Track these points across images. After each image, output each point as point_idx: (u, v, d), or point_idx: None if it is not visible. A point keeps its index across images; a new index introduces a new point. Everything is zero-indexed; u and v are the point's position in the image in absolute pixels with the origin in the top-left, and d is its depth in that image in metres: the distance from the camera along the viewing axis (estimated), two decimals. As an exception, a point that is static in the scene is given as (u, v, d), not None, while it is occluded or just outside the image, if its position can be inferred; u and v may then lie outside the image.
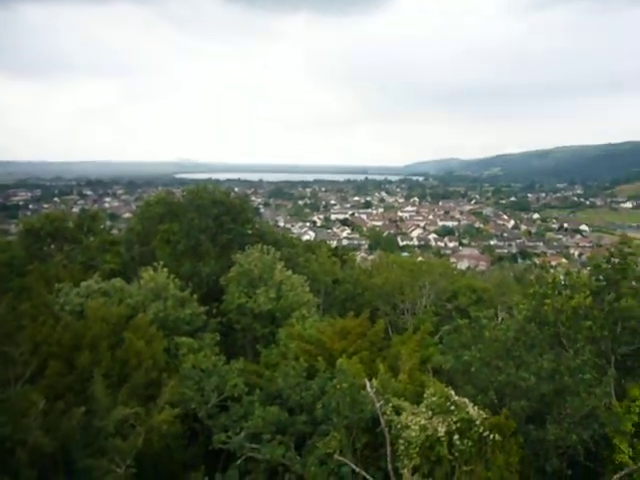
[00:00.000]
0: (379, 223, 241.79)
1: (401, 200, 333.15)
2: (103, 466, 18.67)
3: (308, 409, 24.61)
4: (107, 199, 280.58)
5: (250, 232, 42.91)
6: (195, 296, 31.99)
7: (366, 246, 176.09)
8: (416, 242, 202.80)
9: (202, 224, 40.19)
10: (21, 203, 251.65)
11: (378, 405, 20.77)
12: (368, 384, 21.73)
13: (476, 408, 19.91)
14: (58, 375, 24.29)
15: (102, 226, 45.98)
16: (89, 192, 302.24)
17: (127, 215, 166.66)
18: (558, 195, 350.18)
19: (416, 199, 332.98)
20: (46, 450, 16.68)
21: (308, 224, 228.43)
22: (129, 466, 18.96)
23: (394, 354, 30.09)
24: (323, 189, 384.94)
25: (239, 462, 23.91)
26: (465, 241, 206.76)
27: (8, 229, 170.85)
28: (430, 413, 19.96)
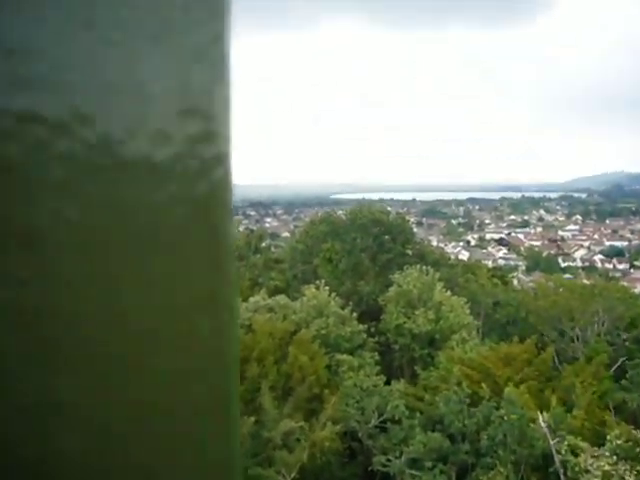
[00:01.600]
0: (538, 243, 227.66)
1: (561, 218, 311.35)
2: (270, 476, 19.34)
3: (471, 438, 23.62)
4: (268, 219, 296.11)
5: (410, 252, 42.64)
6: (355, 314, 32.37)
7: (523, 267, 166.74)
8: (580, 263, 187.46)
9: (363, 243, 40.80)
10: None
11: (552, 442, 19.28)
12: (540, 418, 20.28)
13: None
14: (229, 385, 25.92)
15: (266, 245, 48.73)
16: (252, 212, 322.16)
17: (285, 234, 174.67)
18: None
19: (579, 217, 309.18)
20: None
21: (462, 244, 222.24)
22: (294, 479, 19.45)
23: (566, 386, 27.86)
24: (477, 207, 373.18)
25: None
26: (638, 263, 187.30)
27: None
28: (615, 458, 18.01)
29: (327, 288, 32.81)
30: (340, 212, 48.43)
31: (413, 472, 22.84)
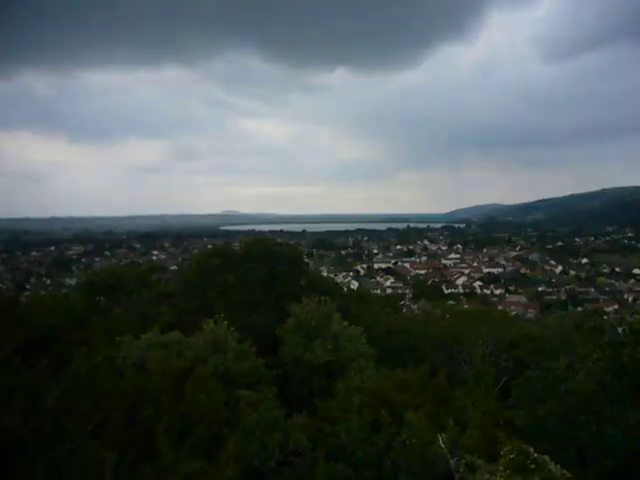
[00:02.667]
0: (423, 271, 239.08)
1: (444, 248, 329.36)
2: (170, 525, 18.13)
3: (374, 465, 23.72)
4: (155, 252, 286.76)
5: (303, 283, 42.81)
6: (253, 349, 31.72)
7: (410, 295, 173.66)
8: (461, 290, 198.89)
9: (257, 275, 40.37)
10: (74, 257, 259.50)
11: (452, 462, 19.76)
12: (441, 439, 20.78)
13: (558, 466, 18.73)
14: (121, 429, 24.16)
15: (157, 278, 46.84)
16: (137, 245, 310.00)
17: (173, 267, 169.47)
18: (607, 239, 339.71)
19: (459, 246, 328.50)
20: (117, 509, 16.38)
21: (352, 273, 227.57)
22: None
23: (459, 407, 28.92)
24: (365, 238, 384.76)
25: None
26: (512, 288, 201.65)
27: (63, 282, 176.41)
28: (508, 472, 18.80)
29: (225, 322, 31.90)
30: (235, 244, 47.84)
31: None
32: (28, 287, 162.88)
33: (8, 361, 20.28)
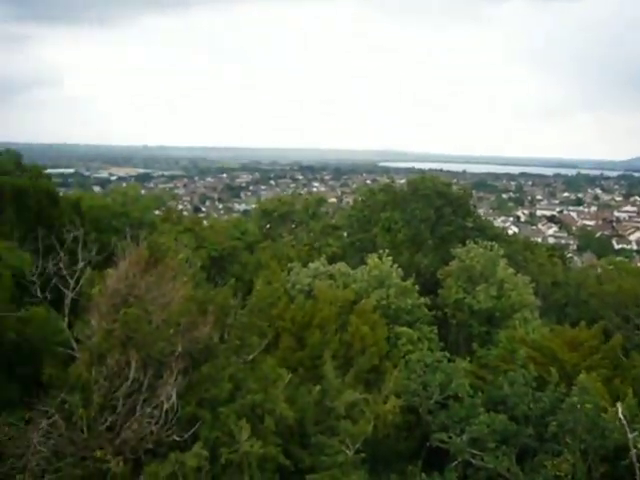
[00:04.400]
0: (591, 222, 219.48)
1: (619, 199, 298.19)
2: (334, 445, 19.09)
3: (536, 422, 22.84)
4: (315, 184, 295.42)
5: (470, 225, 41.41)
6: (416, 287, 31.62)
7: (574, 247, 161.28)
8: (635, 247, 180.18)
9: (423, 214, 39.79)
10: (243, 185, 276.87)
11: (631, 436, 18.34)
12: (620, 409, 19.30)
13: None
14: (290, 350, 25.71)
15: (324, 210, 48.23)
16: (300, 176, 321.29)
17: (332, 200, 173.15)
18: None
19: (637, 198, 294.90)
20: (289, 421, 17.55)
21: (511, 219, 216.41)
22: (359, 450, 19.15)
23: (636, 376, 26.64)
24: (529, 183, 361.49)
25: (456, 464, 23.12)
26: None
27: (232, 207, 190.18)
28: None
29: (390, 258, 32.03)
30: (400, 181, 47.37)
31: (474, 452, 22.30)
32: (204, 210, 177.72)
33: (194, 277, 22.10)
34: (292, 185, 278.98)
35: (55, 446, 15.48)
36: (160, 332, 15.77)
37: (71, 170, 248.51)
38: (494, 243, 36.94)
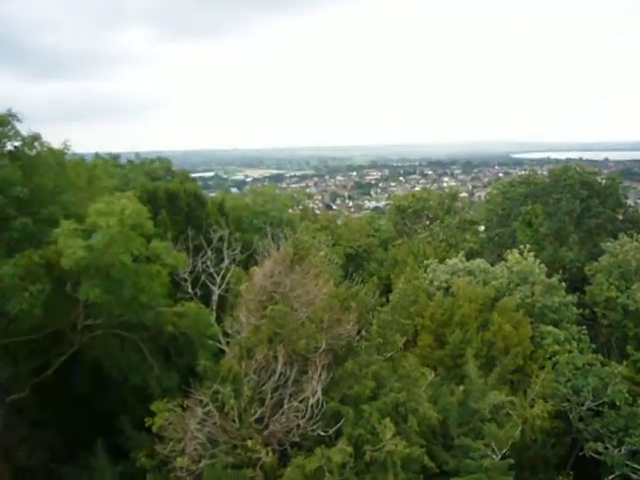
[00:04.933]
0: None
1: None
2: (480, 449, 18.44)
3: None
4: (445, 179, 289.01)
5: (621, 217, 38.12)
6: (563, 284, 29.66)
7: None
8: None
9: (567, 206, 37.26)
10: (372, 182, 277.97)
11: None
12: None
13: None
14: (430, 348, 25.30)
15: (459, 205, 46.86)
16: (429, 172, 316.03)
17: (463, 195, 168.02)
18: None
19: None
20: (432, 422, 17.20)
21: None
22: (505, 455, 18.32)
23: None
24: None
25: (612, 478, 21.40)
26: None
27: (362, 204, 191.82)
28: None
29: (532, 254, 30.35)
30: (542, 173, 44.70)
31: (635, 466, 20.50)
32: (335, 208, 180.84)
33: (334, 274, 22.32)
34: (422, 181, 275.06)
35: (210, 433, 16.41)
36: (305, 328, 16.14)
37: (211, 173, 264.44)
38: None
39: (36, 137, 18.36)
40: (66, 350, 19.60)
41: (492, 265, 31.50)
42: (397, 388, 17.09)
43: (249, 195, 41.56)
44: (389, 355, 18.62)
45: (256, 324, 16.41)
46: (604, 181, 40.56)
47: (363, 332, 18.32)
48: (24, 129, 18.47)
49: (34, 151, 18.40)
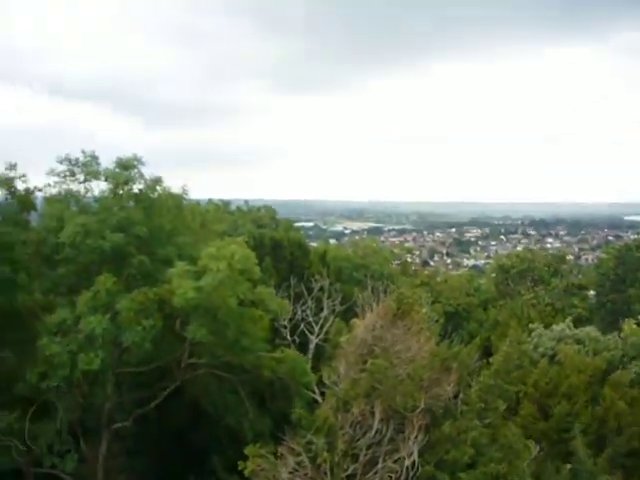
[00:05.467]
0: None
1: None
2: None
3: None
4: (549, 239, 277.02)
5: None
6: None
7: None
8: None
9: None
10: (472, 239, 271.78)
11: None
12: None
13: None
14: (532, 418, 23.79)
15: (567, 268, 44.60)
16: (532, 232, 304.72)
17: (568, 257, 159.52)
18: None
19: None
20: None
21: None
22: None
23: None
24: None
25: None
26: None
27: (461, 262, 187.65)
28: None
29: (652, 325, 28.11)
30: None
31: None
32: (432, 264, 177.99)
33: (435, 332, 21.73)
34: (524, 240, 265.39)
35: (300, 484, 16.21)
36: (404, 385, 15.76)
37: (310, 223, 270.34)
38: None
39: (158, 180, 19.77)
40: (169, 385, 20.31)
41: (603, 334, 29.47)
42: (497, 459, 16.14)
43: (350, 247, 41.96)
44: (489, 422, 17.72)
45: (355, 377, 16.24)
46: None
47: (462, 395, 17.62)
48: (147, 173, 20.03)
49: (155, 194, 19.75)
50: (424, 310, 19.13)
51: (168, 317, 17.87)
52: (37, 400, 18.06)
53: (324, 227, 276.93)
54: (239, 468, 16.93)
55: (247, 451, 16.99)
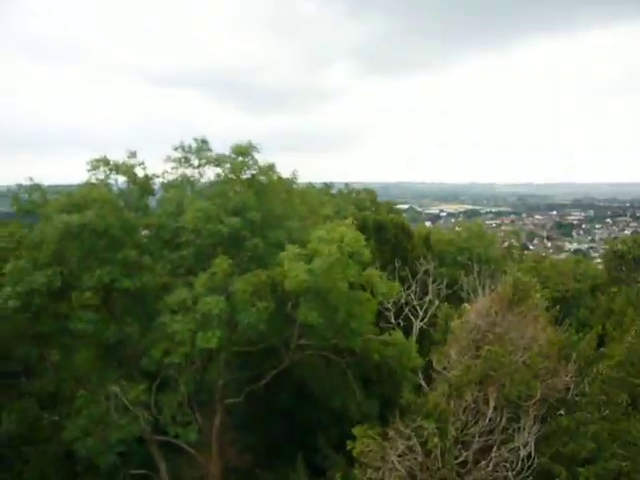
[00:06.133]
0: None
1: None
2: None
3: None
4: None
5: None
6: None
7: None
8: None
9: None
10: (575, 222, 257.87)
11: None
12: None
13: None
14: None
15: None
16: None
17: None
18: None
19: None
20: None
21: None
22: None
23: None
24: None
25: None
26: None
27: (562, 246, 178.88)
28: None
29: None
30: None
31: None
32: (532, 248, 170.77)
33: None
34: (632, 224, 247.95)
35: (410, 468, 16.22)
36: (520, 374, 15.31)
37: (405, 206, 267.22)
38: None
39: (271, 167, 20.24)
40: (277, 365, 20.93)
41: None
42: (620, 455, 15.33)
43: (455, 229, 41.04)
44: (610, 416, 16.84)
45: (468, 363, 15.96)
46: None
47: (581, 386, 16.86)
48: (260, 159, 20.56)
49: (267, 179, 20.25)
50: (539, 296, 18.39)
51: (279, 299, 18.35)
52: (159, 374, 19.24)
53: (420, 209, 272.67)
54: (347, 448, 17.21)
55: (355, 431, 17.20)
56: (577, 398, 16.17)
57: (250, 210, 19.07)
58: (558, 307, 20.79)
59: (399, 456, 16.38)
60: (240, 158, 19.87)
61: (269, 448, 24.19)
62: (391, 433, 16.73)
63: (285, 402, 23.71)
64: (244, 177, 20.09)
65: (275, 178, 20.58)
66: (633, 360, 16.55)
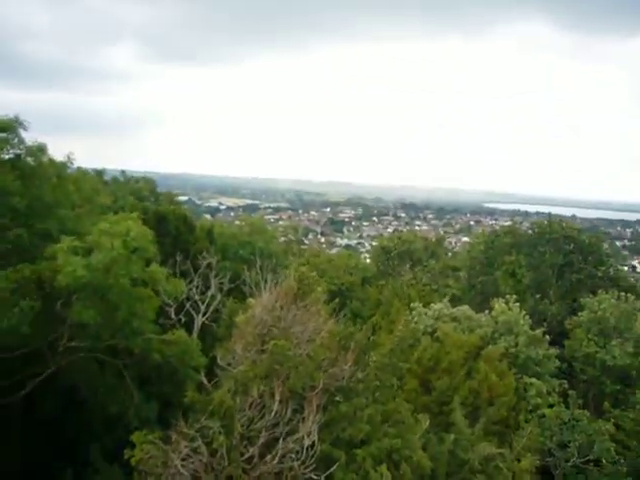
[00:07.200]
0: None
1: None
2: (469, 501, 17.94)
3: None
4: (417, 222, 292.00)
5: (601, 275, 38.81)
6: (547, 337, 29.74)
7: None
8: None
9: (551, 259, 37.78)
10: (346, 220, 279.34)
11: None
12: None
13: None
14: (415, 393, 24.83)
15: (444, 250, 47.14)
16: (402, 214, 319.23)
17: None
18: None
19: None
20: (425, 471, 16.68)
21: (626, 268, 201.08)
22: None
23: None
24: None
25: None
26: None
27: (334, 241, 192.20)
28: None
29: (517, 304, 30.45)
30: (525, 224, 45.50)
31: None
32: (306, 243, 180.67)
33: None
34: (394, 223, 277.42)
35: (194, 471, 15.56)
36: (304, 366, 15.59)
37: (184, 198, 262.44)
38: (628, 295, 34.34)
39: (42, 147, 17.77)
40: (41, 371, 18.54)
41: (475, 313, 31.48)
42: (391, 434, 16.57)
43: (237, 224, 41.06)
44: (382, 399, 18.14)
45: (254, 358, 15.80)
46: (588, 238, 41.32)
47: (357, 374, 17.86)
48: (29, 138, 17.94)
49: (36, 161, 17.75)
50: (319, 289, 19.05)
51: (47, 297, 16.22)
52: None
53: (199, 202, 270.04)
54: (125, 456, 15.89)
55: (133, 438, 15.96)
56: (354, 385, 17.02)
57: (12, 195, 16.51)
58: (337, 300, 21.95)
59: (183, 459, 15.60)
60: (1, 134, 17.09)
61: (30, 465, 21.35)
62: (174, 436, 15.90)
63: (51, 413, 21.15)
64: (5, 157, 17.33)
65: (46, 161, 18.12)
66: (402, 347, 18.05)
